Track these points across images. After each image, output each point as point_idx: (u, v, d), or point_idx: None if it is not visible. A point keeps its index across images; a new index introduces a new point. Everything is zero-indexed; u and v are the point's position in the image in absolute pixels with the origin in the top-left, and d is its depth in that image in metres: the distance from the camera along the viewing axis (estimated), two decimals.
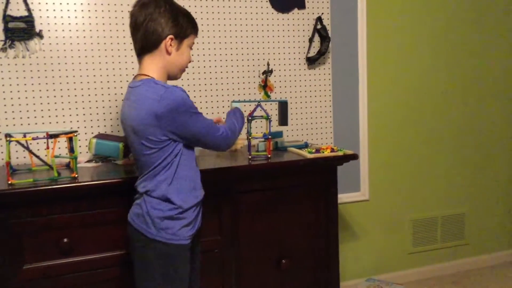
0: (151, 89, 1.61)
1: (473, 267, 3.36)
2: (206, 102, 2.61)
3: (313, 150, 2.27)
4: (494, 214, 3.43)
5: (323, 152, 2.24)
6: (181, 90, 1.64)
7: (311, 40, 2.79)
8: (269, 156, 2.20)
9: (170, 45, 1.68)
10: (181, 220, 1.67)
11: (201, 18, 2.56)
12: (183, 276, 1.71)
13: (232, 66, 2.66)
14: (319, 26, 2.78)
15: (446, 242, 3.29)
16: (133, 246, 1.71)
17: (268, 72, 2.71)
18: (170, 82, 1.72)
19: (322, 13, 2.81)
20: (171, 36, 1.67)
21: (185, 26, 1.71)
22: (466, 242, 3.35)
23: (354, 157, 2.27)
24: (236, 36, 2.65)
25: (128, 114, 1.66)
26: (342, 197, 2.94)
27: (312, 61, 2.79)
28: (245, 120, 2.15)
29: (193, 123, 1.65)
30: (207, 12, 2.58)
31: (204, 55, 2.59)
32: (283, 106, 2.30)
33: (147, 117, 1.59)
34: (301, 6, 2.76)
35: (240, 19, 2.65)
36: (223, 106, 2.64)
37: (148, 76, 1.67)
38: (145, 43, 1.67)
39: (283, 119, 2.29)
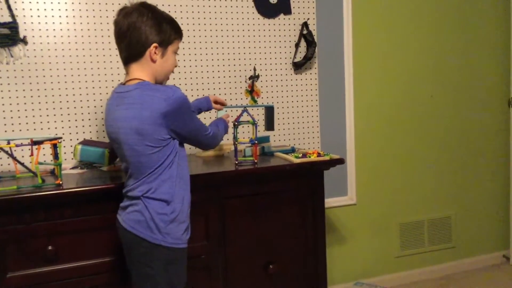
0: (155, 89, 1.63)
1: (460, 270, 3.38)
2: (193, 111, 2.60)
3: (300, 155, 2.27)
4: (481, 217, 3.45)
5: (310, 157, 2.24)
6: (180, 90, 1.68)
7: (297, 45, 2.80)
8: (256, 161, 2.20)
9: (155, 53, 1.68)
10: (183, 224, 1.70)
11: (188, 24, 2.56)
12: (184, 279, 1.75)
13: (218, 71, 2.66)
14: (305, 31, 2.79)
15: (433, 245, 3.31)
16: (133, 253, 1.69)
17: (254, 77, 2.72)
18: None
19: (308, 18, 2.82)
20: (155, 44, 1.67)
21: (169, 33, 1.71)
22: (453, 245, 3.37)
23: (341, 161, 2.28)
24: (222, 42, 2.65)
25: (124, 116, 1.63)
26: (330, 201, 2.95)
27: (298, 66, 2.80)
28: (232, 125, 2.16)
29: (191, 121, 1.72)
30: (193, 18, 2.58)
31: (190, 60, 2.59)
32: (269, 111, 2.30)
33: (152, 116, 1.59)
34: (287, 11, 2.77)
35: (227, 24, 2.65)
36: (209, 112, 2.63)
37: (141, 79, 1.67)
38: (130, 52, 1.68)
39: (269, 124, 2.30)
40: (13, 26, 2.24)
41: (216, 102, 2.23)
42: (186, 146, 2.47)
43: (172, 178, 1.67)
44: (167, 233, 1.65)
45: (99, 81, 2.41)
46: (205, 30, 2.61)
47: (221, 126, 2.00)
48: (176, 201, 1.68)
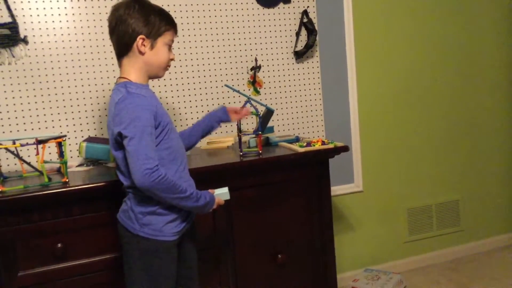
0: (117, 93, 1.65)
1: (469, 253, 3.38)
2: (196, 100, 2.60)
3: (304, 144, 2.27)
4: (488, 200, 3.44)
5: (314, 146, 2.24)
6: (142, 98, 1.62)
7: (298, 34, 2.79)
8: (260, 152, 2.20)
9: (143, 45, 1.68)
10: (165, 216, 1.67)
11: (187, 16, 2.55)
12: (168, 273, 1.70)
13: (220, 63, 2.65)
14: (305, 20, 2.78)
15: (441, 230, 3.31)
16: (121, 242, 1.72)
17: (256, 68, 2.71)
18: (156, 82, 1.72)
19: (308, 6, 2.80)
20: (141, 36, 1.67)
21: (157, 25, 1.69)
22: (461, 228, 3.37)
23: (345, 149, 2.27)
24: (222, 33, 2.65)
25: (108, 117, 1.71)
26: (336, 189, 2.95)
27: (300, 55, 2.79)
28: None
29: (128, 140, 1.57)
30: (192, 11, 2.57)
31: (191, 53, 2.59)
32: (268, 114, 2.29)
33: (111, 119, 1.64)
34: (287, 0, 2.76)
35: (226, 16, 2.64)
36: (212, 104, 2.64)
37: (126, 78, 1.69)
38: (119, 46, 1.70)
39: (263, 126, 2.29)
40: (13, 26, 2.25)
41: (235, 111, 2.08)
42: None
43: None
44: (145, 224, 1.65)
45: (101, 78, 2.42)
46: (204, 22, 2.60)
47: (202, 202, 1.70)
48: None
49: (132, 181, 1.63)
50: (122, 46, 1.68)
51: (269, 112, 2.30)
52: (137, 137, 1.56)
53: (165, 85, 2.53)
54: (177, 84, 2.56)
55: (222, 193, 1.82)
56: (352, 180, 3.06)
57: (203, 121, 2.04)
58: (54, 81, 2.34)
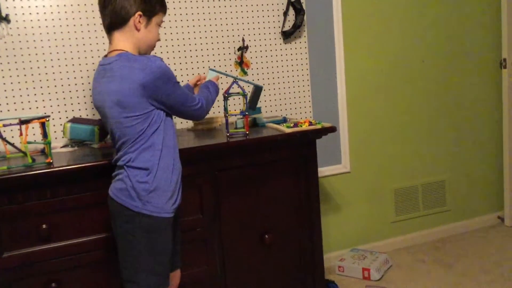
0: (133, 60, 1.62)
1: (456, 232, 3.42)
2: (182, 81, 2.58)
3: (291, 125, 2.26)
4: (475, 180, 3.48)
5: (301, 126, 2.24)
6: (160, 59, 1.65)
7: (285, 14, 2.76)
8: (247, 132, 2.19)
9: (139, 21, 1.68)
10: (166, 192, 1.68)
11: None
12: (167, 249, 1.73)
13: (206, 43, 2.62)
14: None
15: (428, 210, 3.34)
16: (116, 221, 1.70)
17: (243, 48, 2.69)
18: None
19: None
20: (139, 12, 1.67)
21: (153, 3, 1.72)
22: (447, 208, 3.40)
23: (332, 129, 2.27)
24: (209, 13, 2.61)
25: (107, 90, 1.64)
26: (324, 170, 2.96)
27: (287, 35, 2.76)
28: (222, 96, 2.14)
29: (174, 92, 1.68)
30: None
31: (177, 33, 2.55)
32: (257, 91, 2.27)
33: (132, 88, 1.59)
34: None
35: None
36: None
37: (122, 50, 1.66)
38: (114, 19, 1.67)
39: (253, 104, 2.27)
40: None
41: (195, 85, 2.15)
42: (177, 119, 2.47)
43: (155, 146, 1.66)
44: (148, 201, 1.65)
45: (85, 57, 2.38)
46: (191, 1, 2.56)
47: (212, 88, 1.98)
48: (160, 170, 1.66)
49: (131, 158, 1.64)
50: (118, 19, 1.66)
51: (257, 89, 2.27)
52: (177, 88, 1.70)
53: None
54: None
55: (212, 75, 2.09)
56: (340, 161, 3.07)
57: None
58: (38, 60, 2.30)
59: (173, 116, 1.78)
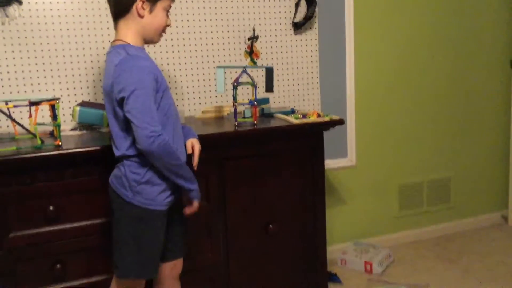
0: (116, 55, 1.63)
1: (459, 230, 3.42)
2: (191, 69, 2.58)
3: (300, 116, 2.26)
4: (480, 178, 3.47)
5: (309, 118, 2.23)
6: (144, 60, 1.62)
7: (297, 5, 2.75)
8: (255, 122, 2.20)
9: (142, 7, 1.67)
10: (158, 186, 1.67)
11: None
12: (155, 241, 1.72)
13: (217, 32, 2.62)
14: None
15: (432, 206, 3.33)
16: (112, 206, 1.73)
17: (254, 38, 2.68)
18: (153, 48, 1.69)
19: None
20: None
21: None
22: (451, 205, 3.40)
23: (340, 122, 2.27)
24: (221, 1, 2.60)
25: (103, 81, 1.69)
26: (330, 163, 2.96)
27: (298, 26, 2.75)
28: (231, 86, 2.12)
29: (132, 102, 1.56)
30: None
31: (188, 20, 2.55)
32: (268, 73, 2.27)
33: (111, 83, 1.61)
34: None
35: None
36: (209, 73, 2.61)
37: (122, 41, 1.68)
38: (117, 7, 1.68)
39: (269, 85, 2.28)
40: None
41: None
42: (186, 107, 2.47)
43: None
44: (138, 192, 1.65)
45: (96, 42, 2.38)
46: None
47: (181, 172, 1.68)
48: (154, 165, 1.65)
49: (124, 149, 1.65)
50: (121, 7, 1.67)
51: (269, 71, 2.27)
52: (140, 100, 1.56)
53: (161, 52, 2.50)
54: (173, 52, 2.53)
55: (220, 73, 2.08)
56: (346, 154, 3.06)
57: None
58: (48, 43, 2.30)
59: (176, 108, 1.77)
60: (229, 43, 2.65)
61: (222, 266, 2.16)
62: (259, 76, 2.64)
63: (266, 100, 2.54)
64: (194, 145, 1.86)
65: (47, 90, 2.32)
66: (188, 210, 1.80)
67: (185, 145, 1.83)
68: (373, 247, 3.00)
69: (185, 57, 2.55)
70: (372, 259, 2.85)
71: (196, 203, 1.79)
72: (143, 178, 1.65)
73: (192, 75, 2.58)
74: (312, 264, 2.34)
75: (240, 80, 2.20)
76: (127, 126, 1.63)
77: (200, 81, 2.59)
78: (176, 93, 2.54)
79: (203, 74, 2.60)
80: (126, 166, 1.66)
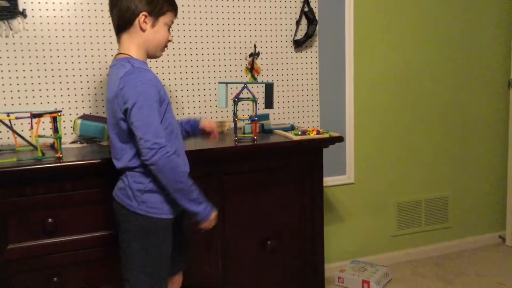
0: (121, 68, 1.64)
1: (456, 249, 3.41)
2: (193, 84, 2.59)
3: (299, 132, 2.28)
4: (478, 198, 3.47)
5: (309, 134, 2.25)
6: (148, 73, 1.64)
7: (298, 23, 2.78)
8: (255, 138, 2.21)
9: (144, 22, 1.68)
10: (162, 194, 1.67)
11: (188, 0, 2.54)
12: (165, 250, 1.72)
13: (218, 48, 2.64)
14: (306, 9, 2.77)
15: (430, 225, 3.33)
16: (117, 219, 1.73)
17: (255, 55, 2.70)
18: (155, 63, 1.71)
19: None
20: (144, 13, 1.68)
21: (160, 3, 1.71)
22: (449, 225, 3.39)
23: (340, 139, 2.28)
24: (222, 18, 2.63)
25: (106, 93, 1.70)
26: (328, 180, 2.96)
27: (299, 44, 2.78)
28: (232, 102, 2.14)
29: (136, 114, 1.57)
30: None
31: (190, 36, 2.57)
32: (268, 89, 2.30)
33: (115, 95, 1.62)
34: None
35: (227, 0, 2.63)
36: (209, 89, 2.63)
37: (126, 54, 1.69)
38: (120, 21, 1.70)
39: (269, 102, 2.30)
40: None
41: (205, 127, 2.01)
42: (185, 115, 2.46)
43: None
44: (143, 201, 1.66)
45: (99, 56, 2.40)
46: (205, 6, 2.59)
47: (190, 192, 1.66)
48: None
49: (127, 161, 1.66)
50: (124, 21, 1.68)
51: (269, 87, 2.29)
52: (145, 113, 1.57)
53: (163, 67, 2.52)
54: (175, 67, 2.55)
55: (222, 88, 2.15)
56: (344, 172, 3.07)
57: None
58: (51, 56, 2.32)
59: (177, 122, 1.79)
60: (230, 59, 2.67)
61: (220, 281, 2.15)
62: (260, 93, 2.66)
63: (266, 116, 2.55)
64: (210, 122, 2.01)
65: (48, 103, 2.33)
66: (202, 227, 1.75)
67: (201, 129, 1.99)
68: (371, 265, 2.99)
69: (186, 73, 2.58)
70: (370, 277, 2.83)
71: (205, 225, 1.74)
72: (147, 187, 1.66)
73: (193, 90, 2.60)
74: (310, 282, 2.33)
75: (241, 95, 2.21)
76: (130, 137, 1.64)
77: (201, 96, 2.61)
78: (177, 108, 2.56)
79: (204, 89, 2.62)
80: (129, 177, 1.67)
